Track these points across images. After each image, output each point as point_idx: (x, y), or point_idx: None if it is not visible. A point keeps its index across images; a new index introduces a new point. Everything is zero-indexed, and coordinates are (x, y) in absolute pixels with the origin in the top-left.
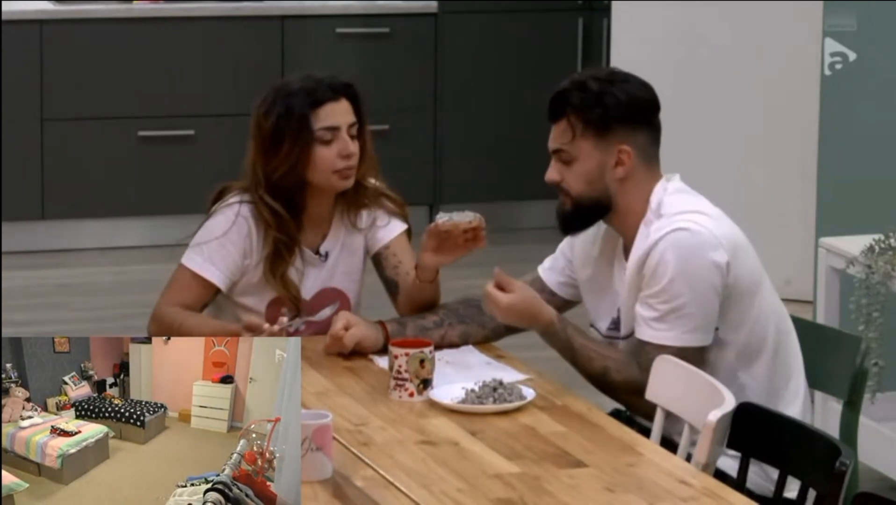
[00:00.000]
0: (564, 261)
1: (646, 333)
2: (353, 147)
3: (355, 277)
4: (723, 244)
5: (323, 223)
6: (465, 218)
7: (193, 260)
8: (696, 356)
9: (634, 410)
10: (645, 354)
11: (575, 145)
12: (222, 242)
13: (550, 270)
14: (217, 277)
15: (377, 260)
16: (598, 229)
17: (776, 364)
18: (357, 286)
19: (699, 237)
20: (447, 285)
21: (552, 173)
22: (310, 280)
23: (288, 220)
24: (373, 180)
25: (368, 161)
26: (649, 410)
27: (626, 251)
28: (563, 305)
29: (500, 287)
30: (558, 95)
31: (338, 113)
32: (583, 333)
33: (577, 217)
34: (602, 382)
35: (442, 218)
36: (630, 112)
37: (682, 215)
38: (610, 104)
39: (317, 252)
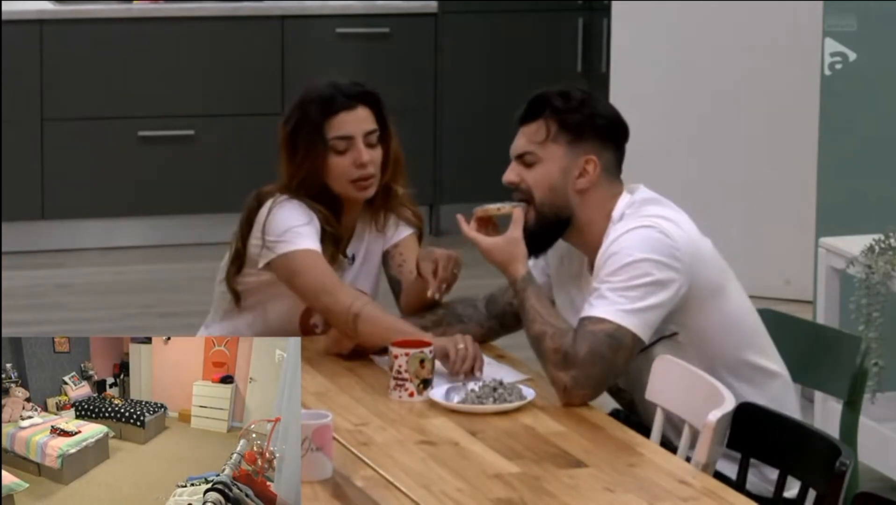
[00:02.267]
0: (544, 277)
1: (586, 310)
2: (368, 156)
3: (375, 278)
4: (681, 249)
5: (350, 227)
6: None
7: (305, 241)
8: (630, 345)
9: (558, 384)
10: (582, 326)
11: (544, 147)
12: (313, 226)
13: (533, 267)
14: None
15: (385, 259)
16: (568, 252)
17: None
18: (376, 287)
19: (660, 236)
20: None
21: (510, 175)
22: None
23: (329, 216)
24: (401, 190)
25: (395, 166)
26: (559, 379)
27: (591, 268)
28: None
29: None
30: (539, 97)
31: (352, 122)
32: (540, 297)
33: (540, 233)
34: (537, 345)
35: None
36: (606, 127)
37: (646, 218)
38: (588, 113)
39: (344, 255)
